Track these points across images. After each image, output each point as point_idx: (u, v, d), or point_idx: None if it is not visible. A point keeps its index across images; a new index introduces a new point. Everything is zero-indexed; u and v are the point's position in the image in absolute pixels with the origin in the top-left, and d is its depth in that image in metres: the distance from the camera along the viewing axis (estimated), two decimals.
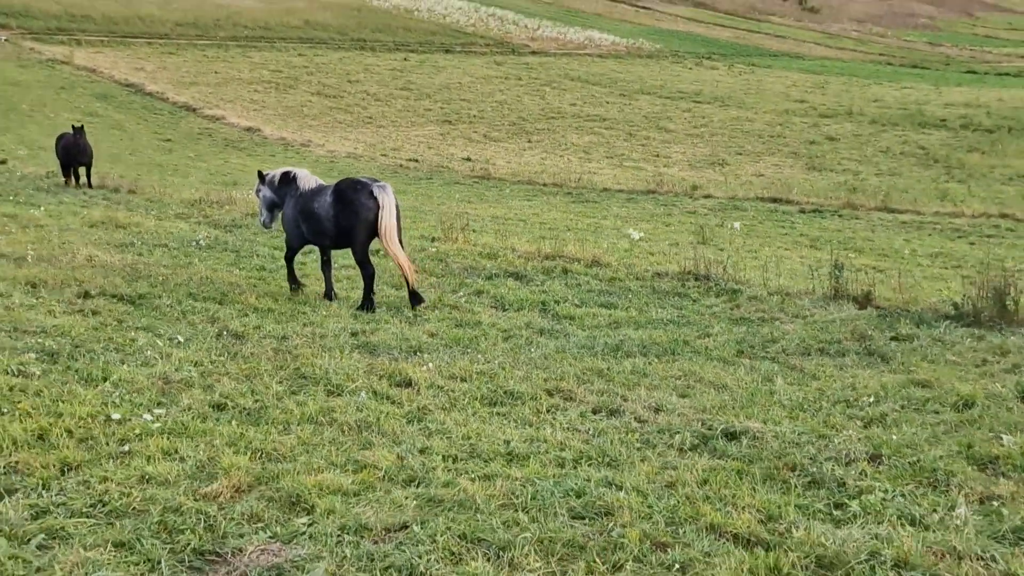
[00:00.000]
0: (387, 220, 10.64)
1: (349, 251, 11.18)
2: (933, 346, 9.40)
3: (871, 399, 7.75)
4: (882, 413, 7.38)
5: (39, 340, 8.04)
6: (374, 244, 11.14)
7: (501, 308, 11.02)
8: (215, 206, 16.87)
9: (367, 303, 10.76)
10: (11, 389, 6.74)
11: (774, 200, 23.14)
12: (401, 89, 53.25)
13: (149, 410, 6.61)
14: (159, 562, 4.60)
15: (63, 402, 6.56)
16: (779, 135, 42.72)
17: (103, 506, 5.13)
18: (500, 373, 8.33)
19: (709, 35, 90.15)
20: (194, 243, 13.45)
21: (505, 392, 7.80)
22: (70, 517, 4.97)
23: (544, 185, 26.69)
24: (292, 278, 11.51)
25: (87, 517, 5.00)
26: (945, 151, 35.69)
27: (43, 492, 5.26)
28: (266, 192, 11.71)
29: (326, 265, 11.43)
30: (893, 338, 9.74)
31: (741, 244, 16.30)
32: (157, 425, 6.32)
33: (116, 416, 6.40)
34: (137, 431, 6.18)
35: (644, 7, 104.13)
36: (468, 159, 35.67)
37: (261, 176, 11.80)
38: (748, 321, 10.67)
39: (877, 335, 9.82)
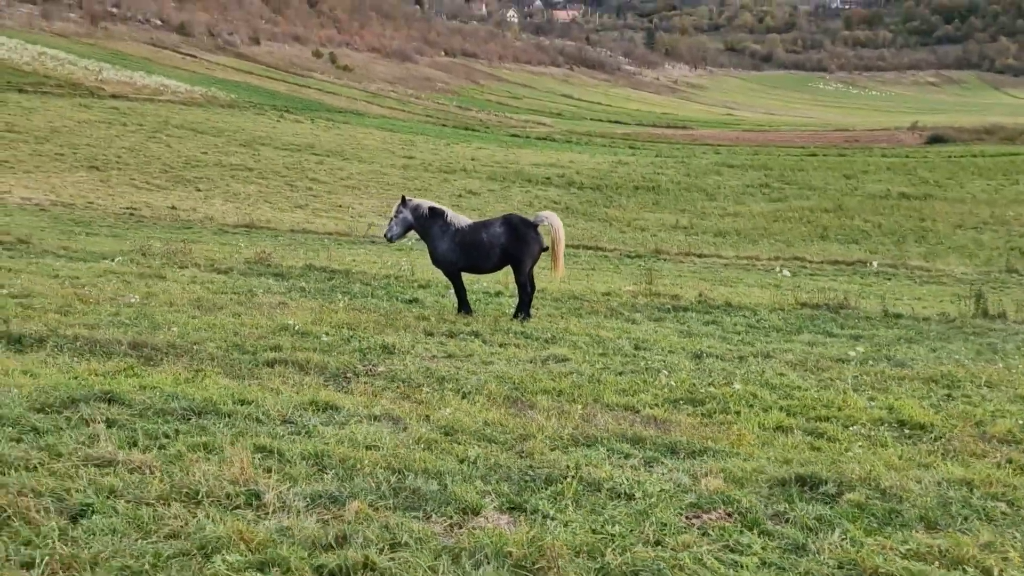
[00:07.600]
0: (560, 247, 13.35)
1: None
2: None
3: None
4: None
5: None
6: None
7: (764, 332, 12.58)
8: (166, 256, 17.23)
9: (527, 311, 13.38)
10: None
11: (590, 248, 26.49)
12: (6, 131, 48.95)
13: None
14: None
15: None
16: (426, 188, 47.24)
17: None
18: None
19: (265, 87, 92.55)
20: (298, 291, 14.47)
21: None
22: None
23: (324, 235, 28.34)
24: (464, 304, 13.59)
25: None
26: (584, 207, 42.82)
27: None
28: (407, 215, 13.56)
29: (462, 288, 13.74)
30: None
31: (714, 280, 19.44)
32: None
33: None
34: None
35: (189, 55, 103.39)
36: (173, 208, 35.27)
37: (404, 200, 13.63)
38: (981, 335, 12.94)
39: None
